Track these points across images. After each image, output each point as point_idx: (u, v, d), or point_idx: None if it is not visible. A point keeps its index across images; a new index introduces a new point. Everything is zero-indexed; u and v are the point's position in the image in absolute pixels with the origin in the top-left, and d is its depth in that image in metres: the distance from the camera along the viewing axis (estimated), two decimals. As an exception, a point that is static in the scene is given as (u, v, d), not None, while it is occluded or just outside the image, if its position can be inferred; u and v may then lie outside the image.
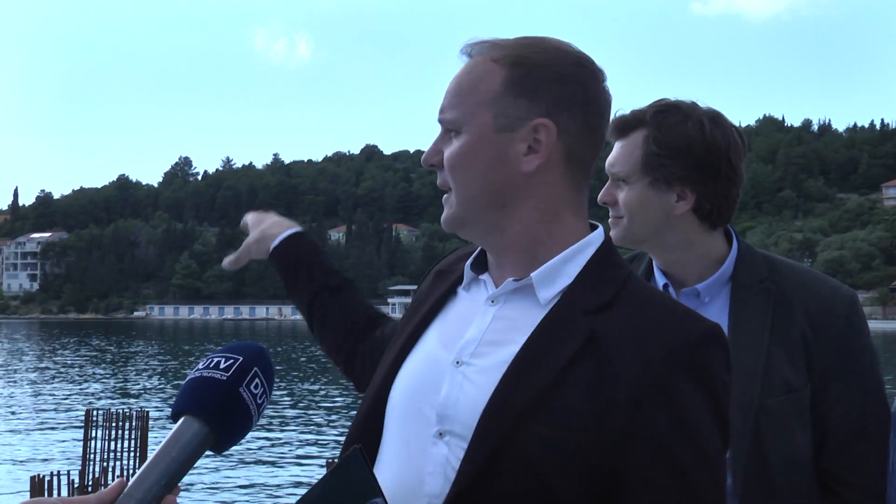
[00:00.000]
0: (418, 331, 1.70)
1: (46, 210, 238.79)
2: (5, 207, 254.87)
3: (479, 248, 1.72)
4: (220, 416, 1.20)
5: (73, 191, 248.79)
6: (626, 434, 1.46)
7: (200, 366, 1.26)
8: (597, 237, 1.64)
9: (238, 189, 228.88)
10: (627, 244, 2.36)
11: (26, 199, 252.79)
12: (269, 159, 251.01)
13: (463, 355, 1.59)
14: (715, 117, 2.29)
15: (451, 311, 1.71)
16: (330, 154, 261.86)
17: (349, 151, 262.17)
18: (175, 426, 1.20)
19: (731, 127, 2.31)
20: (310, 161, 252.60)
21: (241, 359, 1.25)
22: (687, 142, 2.24)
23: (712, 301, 2.31)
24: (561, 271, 1.61)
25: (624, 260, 1.70)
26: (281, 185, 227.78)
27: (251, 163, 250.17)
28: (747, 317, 2.27)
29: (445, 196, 1.64)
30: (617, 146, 2.32)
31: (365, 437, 1.64)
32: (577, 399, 1.48)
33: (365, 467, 1.39)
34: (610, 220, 2.35)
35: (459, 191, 1.61)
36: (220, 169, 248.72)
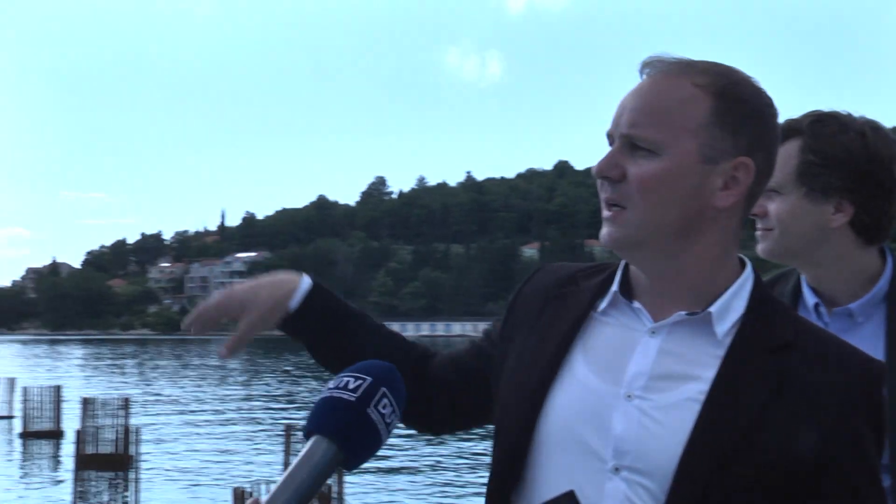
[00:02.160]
0: (558, 357, 1.65)
1: (251, 231, 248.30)
2: (214, 228, 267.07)
3: (610, 272, 1.72)
4: (348, 436, 1.22)
5: (276, 211, 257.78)
6: (817, 473, 1.51)
7: (331, 385, 1.28)
8: (750, 271, 1.66)
9: (431, 207, 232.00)
10: (776, 258, 2.29)
11: (233, 221, 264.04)
12: (461, 177, 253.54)
13: (633, 389, 1.58)
14: (876, 127, 2.21)
15: (596, 338, 1.66)
16: (522, 171, 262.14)
17: (541, 167, 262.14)
18: (306, 445, 1.22)
19: (892, 138, 2.22)
20: (502, 178, 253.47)
21: (370, 379, 1.26)
22: (847, 151, 2.16)
23: (866, 321, 2.21)
24: (731, 306, 1.61)
25: (776, 296, 1.69)
26: (473, 202, 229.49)
27: (444, 181, 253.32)
28: None
29: (614, 212, 1.60)
30: None
31: (514, 465, 1.63)
32: (774, 440, 1.50)
33: None
34: (758, 232, 2.28)
35: (645, 213, 1.58)
36: (415, 188, 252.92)
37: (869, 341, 2.12)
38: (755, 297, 1.63)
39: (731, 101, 1.59)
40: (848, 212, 2.17)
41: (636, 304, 1.65)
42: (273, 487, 1.20)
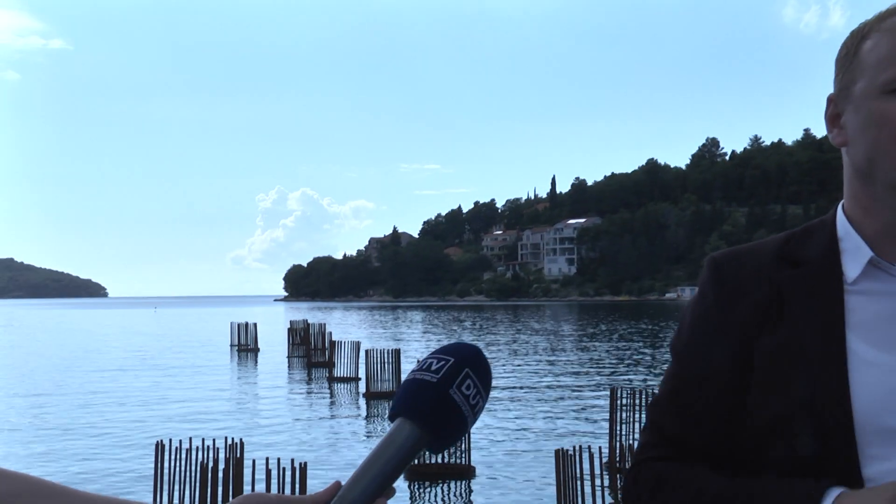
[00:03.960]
0: (839, 346, 1.52)
1: (581, 197, 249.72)
2: (544, 195, 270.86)
3: (821, 239, 1.64)
4: (431, 418, 1.23)
5: (605, 177, 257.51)
6: None
7: (415, 368, 1.29)
8: None
9: (766, 168, 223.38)
10: None
11: (562, 187, 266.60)
12: (798, 135, 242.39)
13: None
14: None
15: (863, 314, 1.54)
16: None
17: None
18: (390, 428, 1.24)
19: None
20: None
21: (453, 360, 1.26)
22: None
23: None
24: None
25: None
26: (812, 161, 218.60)
27: (780, 139, 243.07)
28: None
29: None
30: None
31: (835, 459, 1.49)
32: None
33: None
34: None
35: None
36: (748, 148, 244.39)
37: None
38: None
39: None
40: None
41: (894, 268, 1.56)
42: (357, 468, 1.21)
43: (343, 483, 1.20)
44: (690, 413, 1.63)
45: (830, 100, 1.65)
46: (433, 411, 1.23)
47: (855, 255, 1.59)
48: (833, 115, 1.64)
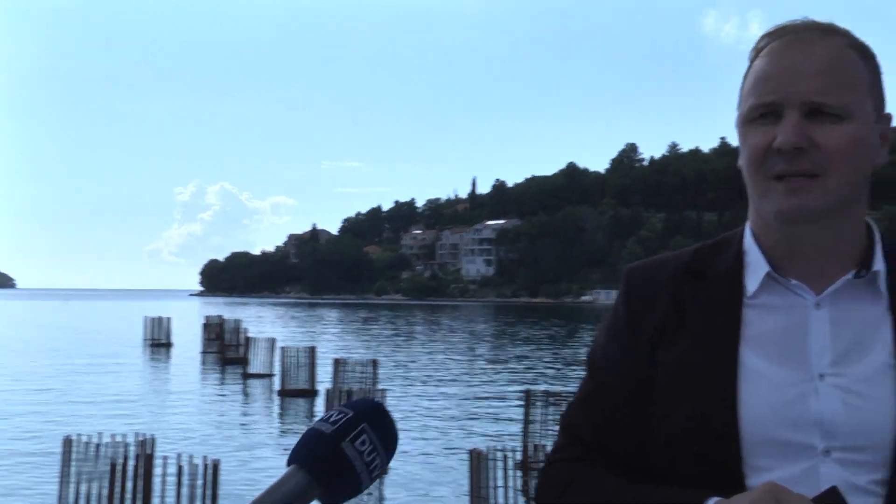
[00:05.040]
0: (732, 357, 1.57)
1: (501, 198, 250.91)
2: (465, 196, 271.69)
3: (729, 254, 1.68)
4: (322, 469, 1.20)
5: (526, 179, 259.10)
6: None
7: (319, 417, 1.27)
8: (875, 226, 1.67)
9: (684, 174, 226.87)
10: None
11: (483, 188, 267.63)
12: (715, 143, 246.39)
13: (822, 368, 1.54)
14: None
15: (760, 326, 1.59)
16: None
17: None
18: (283, 472, 1.22)
19: None
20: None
21: (351, 414, 1.24)
22: None
23: None
24: (878, 261, 1.62)
25: None
26: (728, 169, 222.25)
27: (697, 147, 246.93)
28: None
29: (803, 182, 1.53)
30: None
31: (721, 469, 1.53)
32: None
33: (843, 502, 1.39)
34: None
35: (839, 179, 1.54)
36: (666, 154, 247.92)
37: None
38: (886, 251, 1.63)
39: (871, 58, 1.61)
40: None
41: (794, 281, 1.60)
42: None
43: None
44: (601, 420, 1.67)
45: (736, 122, 1.68)
46: (324, 463, 1.20)
47: (755, 269, 1.62)
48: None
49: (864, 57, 1.60)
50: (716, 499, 1.45)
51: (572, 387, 24.68)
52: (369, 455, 1.23)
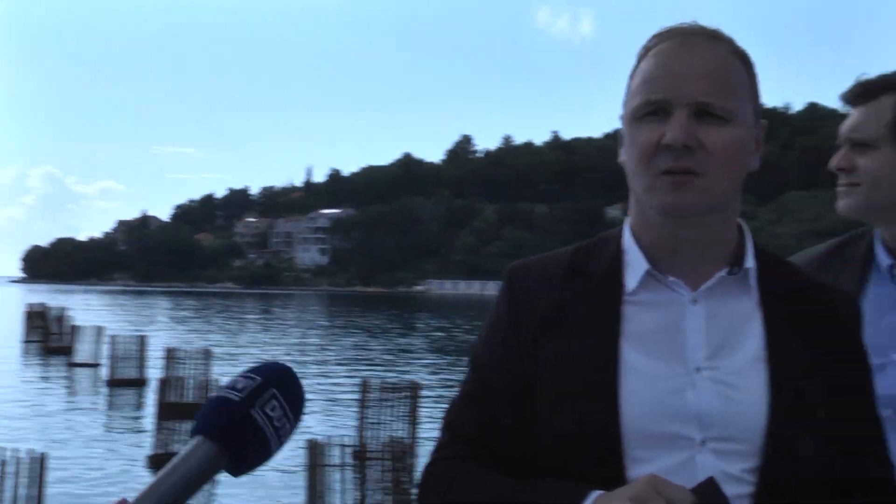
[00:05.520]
0: (612, 353, 1.61)
1: (336, 187, 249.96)
2: (300, 185, 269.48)
3: (609, 252, 1.72)
4: (230, 438, 1.17)
5: (361, 169, 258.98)
6: (862, 387, 1.69)
7: (223, 385, 1.24)
8: (746, 226, 1.74)
9: (517, 166, 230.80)
10: (861, 214, 2.27)
11: (318, 177, 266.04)
12: (548, 137, 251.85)
13: (698, 361, 1.60)
14: None
15: (638, 322, 1.64)
16: (609, 131, 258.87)
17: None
18: (188, 445, 1.18)
19: None
20: (589, 138, 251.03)
21: (260, 379, 1.22)
22: None
23: None
24: (749, 259, 1.70)
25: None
26: (560, 162, 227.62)
27: (531, 140, 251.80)
28: None
29: (687, 178, 1.59)
30: (860, 111, 2.22)
31: (603, 463, 1.56)
32: (829, 374, 1.62)
33: (720, 492, 1.44)
34: (841, 188, 2.26)
35: (720, 179, 1.60)
36: (501, 147, 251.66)
37: None
38: (757, 250, 1.71)
39: (750, 64, 1.68)
40: None
41: (671, 278, 1.66)
42: (146, 485, 1.13)
43: (130, 501, 1.12)
44: (483, 417, 1.69)
45: (621, 117, 1.74)
46: (232, 431, 1.18)
47: (635, 267, 1.67)
48: (621, 134, 1.73)
49: (745, 64, 1.66)
50: (598, 493, 1.48)
51: (410, 376, 24.85)
52: (279, 420, 1.21)
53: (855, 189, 2.21)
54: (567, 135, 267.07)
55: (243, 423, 1.18)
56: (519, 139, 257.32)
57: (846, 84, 2.27)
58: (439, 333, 52.03)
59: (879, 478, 1.68)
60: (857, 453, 1.65)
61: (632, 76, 1.69)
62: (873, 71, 2.25)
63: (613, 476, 1.53)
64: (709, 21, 1.63)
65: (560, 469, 1.58)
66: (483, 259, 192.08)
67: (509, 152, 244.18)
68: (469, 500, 1.61)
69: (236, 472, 1.20)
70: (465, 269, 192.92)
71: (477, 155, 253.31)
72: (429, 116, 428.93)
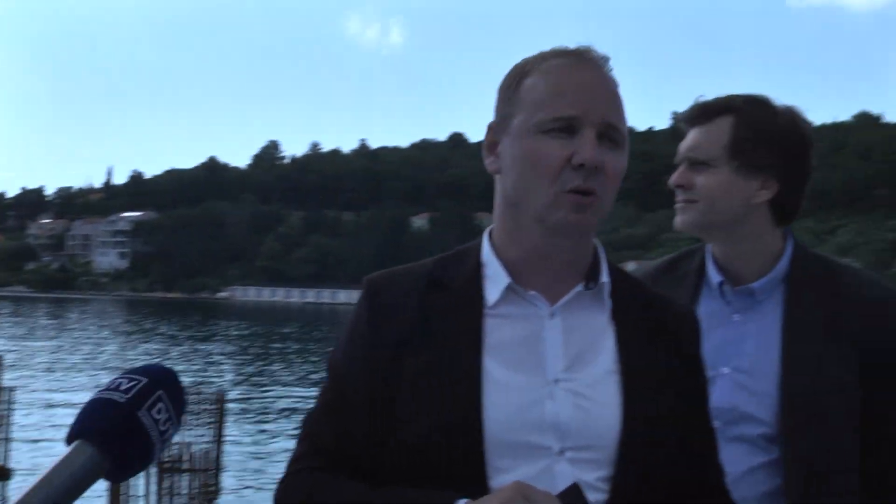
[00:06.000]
0: (475, 366, 1.63)
1: (138, 190, 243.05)
2: (99, 186, 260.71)
3: (469, 266, 1.74)
4: (114, 441, 1.12)
5: (165, 171, 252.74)
6: (701, 407, 1.80)
7: (104, 386, 1.18)
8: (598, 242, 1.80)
9: (324, 174, 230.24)
10: (696, 230, 2.34)
11: (119, 179, 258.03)
12: (356, 145, 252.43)
13: (557, 373, 1.64)
14: (801, 113, 2.30)
15: (499, 335, 1.67)
16: (416, 141, 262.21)
17: (436, 139, 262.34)
18: (66, 451, 1.12)
19: (811, 125, 2.31)
20: (396, 147, 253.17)
21: (146, 381, 1.17)
22: (781, 131, 2.25)
23: (767, 299, 2.29)
24: (604, 274, 1.75)
25: None
26: (366, 170, 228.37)
27: (338, 148, 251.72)
28: (801, 316, 2.24)
29: (589, 199, 1.63)
30: (698, 131, 2.29)
31: (466, 474, 1.58)
32: (675, 386, 1.70)
33: (584, 498, 1.49)
34: (679, 204, 2.33)
35: (610, 202, 1.67)
36: (308, 153, 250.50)
37: (768, 318, 2.27)
38: (610, 267, 1.76)
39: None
40: (772, 189, 2.25)
41: (531, 292, 1.69)
42: (21, 493, 1.08)
43: None
44: (342, 427, 1.69)
45: (490, 127, 1.74)
46: (117, 434, 1.13)
47: (495, 280, 1.70)
48: (491, 142, 1.73)
49: (616, 86, 1.71)
50: (464, 501, 1.51)
51: (213, 384, 24.54)
52: (164, 424, 1.17)
53: (692, 206, 2.29)
54: (375, 143, 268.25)
55: (129, 427, 1.14)
56: (327, 146, 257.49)
57: (680, 107, 2.35)
58: (243, 343, 51.39)
59: (716, 485, 1.78)
60: (699, 461, 1.73)
61: (515, 89, 1.69)
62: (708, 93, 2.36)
63: (476, 486, 1.54)
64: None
65: (422, 480, 1.58)
66: (288, 265, 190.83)
67: (317, 159, 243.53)
68: None
69: (117, 478, 1.16)
70: (270, 276, 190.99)
71: (284, 161, 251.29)
72: (235, 120, 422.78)
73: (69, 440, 1.14)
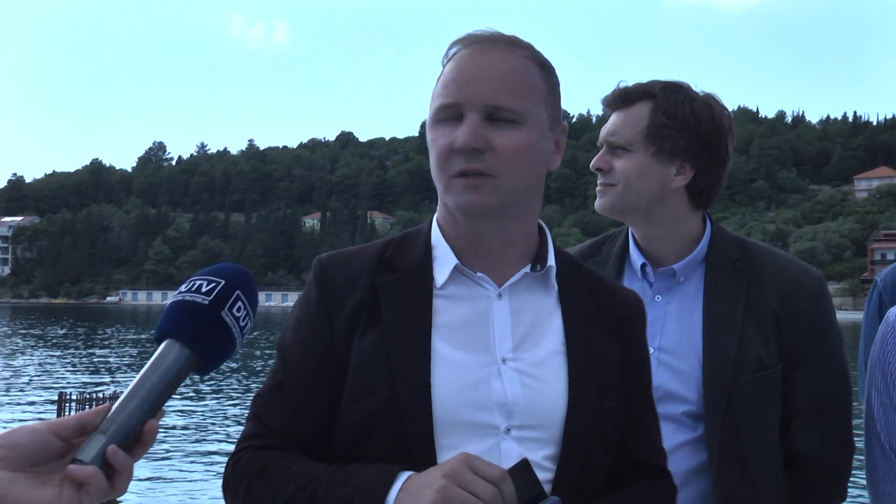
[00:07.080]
0: (424, 344, 1.67)
1: (18, 194, 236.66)
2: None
3: (419, 248, 1.77)
4: (201, 340, 1.20)
5: (46, 175, 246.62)
6: (642, 386, 1.83)
7: (182, 289, 1.25)
8: (545, 227, 1.83)
9: (212, 175, 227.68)
10: (615, 213, 2.38)
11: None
12: (244, 145, 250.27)
13: (504, 353, 1.68)
14: (718, 100, 2.36)
15: (448, 315, 1.70)
16: (305, 141, 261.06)
17: (324, 138, 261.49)
18: (158, 350, 1.19)
19: (728, 113, 2.37)
20: (285, 147, 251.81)
21: (224, 282, 1.23)
22: (697, 117, 2.29)
23: (687, 280, 2.35)
24: (550, 258, 1.79)
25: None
26: (256, 171, 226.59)
27: (226, 149, 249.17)
28: (721, 296, 2.29)
29: (479, 181, 1.65)
30: (618, 115, 2.34)
31: (415, 451, 1.61)
32: (616, 366, 1.75)
33: (532, 474, 1.51)
34: (599, 187, 2.36)
35: (511, 179, 1.66)
36: (195, 154, 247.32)
37: (689, 298, 2.35)
38: (556, 250, 1.81)
39: (549, 70, 1.75)
40: (688, 174, 2.30)
41: (479, 274, 1.73)
42: (125, 391, 1.16)
43: (114, 406, 1.16)
44: (291, 406, 1.71)
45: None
46: (204, 333, 1.20)
47: (443, 262, 1.74)
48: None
49: (543, 70, 1.72)
50: (408, 473, 1.55)
51: (111, 388, 24.57)
52: (244, 320, 1.24)
53: (610, 189, 2.34)
54: (263, 143, 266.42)
55: (215, 326, 1.21)
56: (214, 147, 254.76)
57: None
58: (134, 349, 50.94)
59: (657, 464, 1.84)
60: (641, 441, 1.80)
61: (437, 83, 1.74)
62: (643, 77, 2.41)
63: (425, 464, 1.57)
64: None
65: (371, 458, 1.61)
66: (177, 269, 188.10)
67: (204, 160, 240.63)
68: (278, 487, 1.62)
69: (205, 371, 1.23)
70: (159, 279, 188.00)
71: (170, 162, 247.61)
72: (119, 122, 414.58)
73: (158, 340, 1.21)
